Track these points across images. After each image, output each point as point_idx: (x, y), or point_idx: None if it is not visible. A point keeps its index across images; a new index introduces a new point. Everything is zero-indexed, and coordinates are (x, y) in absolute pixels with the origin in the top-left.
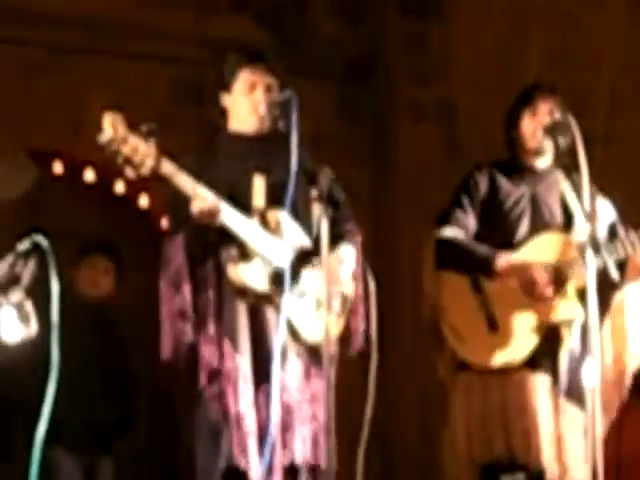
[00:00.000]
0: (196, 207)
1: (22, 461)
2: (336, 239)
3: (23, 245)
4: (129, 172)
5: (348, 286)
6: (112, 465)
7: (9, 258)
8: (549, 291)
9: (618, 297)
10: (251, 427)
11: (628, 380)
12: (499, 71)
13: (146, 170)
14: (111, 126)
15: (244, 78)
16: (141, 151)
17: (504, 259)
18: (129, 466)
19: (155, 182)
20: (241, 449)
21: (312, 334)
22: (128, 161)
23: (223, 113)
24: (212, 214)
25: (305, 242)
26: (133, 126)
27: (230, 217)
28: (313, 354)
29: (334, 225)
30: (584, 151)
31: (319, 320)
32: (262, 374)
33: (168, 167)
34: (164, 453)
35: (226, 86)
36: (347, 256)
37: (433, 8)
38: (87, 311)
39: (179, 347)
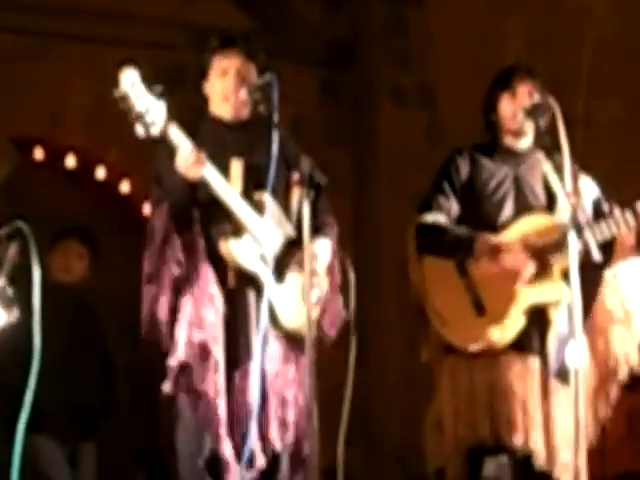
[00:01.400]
0: (180, 157)
1: (3, 449)
2: (313, 231)
3: (4, 231)
4: (139, 130)
5: (322, 280)
6: (94, 450)
7: None
8: (529, 268)
9: (609, 277)
10: (223, 414)
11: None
12: (479, 54)
13: (156, 130)
14: (129, 82)
15: (216, 64)
16: (154, 110)
17: (485, 239)
18: (111, 451)
19: (136, 167)
20: (217, 437)
21: (290, 319)
22: (140, 118)
23: (205, 100)
24: (198, 163)
25: (288, 227)
26: (148, 84)
27: (220, 186)
28: (291, 340)
29: (312, 216)
30: (565, 132)
31: (298, 307)
32: (237, 358)
33: (177, 131)
34: (146, 437)
35: (203, 74)
36: (321, 250)
37: None
38: (62, 296)
39: (156, 327)
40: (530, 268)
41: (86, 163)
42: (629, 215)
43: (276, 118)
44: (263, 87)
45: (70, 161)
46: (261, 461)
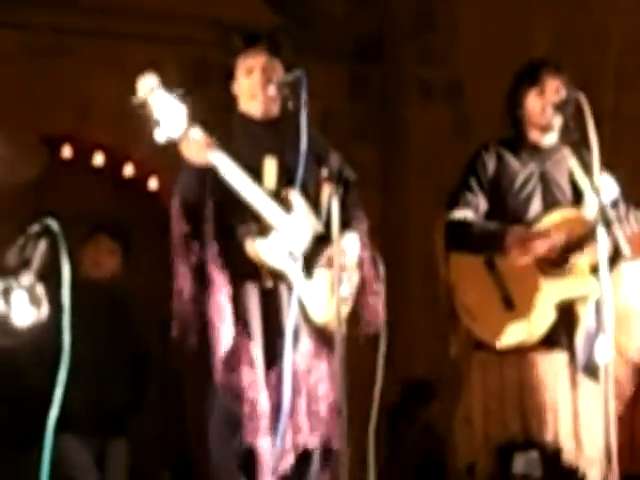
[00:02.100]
0: (186, 145)
1: (34, 446)
2: (342, 225)
3: (34, 228)
4: (158, 135)
5: (353, 275)
6: (125, 447)
7: (20, 241)
8: (560, 257)
9: (613, 275)
10: (264, 409)
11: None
12: (507, 49)
13: (177, 134)
14: (147, 87)
15: (242, 63)
16: (174, 114)
17: (517, 230)
18: (143, 447)
19: (164, 164)
20: (254, 431)
21: (320, 315)
22: (159, 124)
23: (234, 100)
24: (204, 146)
25: (316, 223)
26: (168, 88)
27: (246, 187)
28: (322, 336)
29: (341, 210)
30: (593, 127)
31: (328, 302)
32: (274, 355)
33: (197, 134)
34: (177, 434)
35: (230, 74)
36: (350, 245)
37: None
38: (92, 292)
39: (186, 327)
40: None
41: (114, 160)
42: (634, 214)
43: (305, 114)
44: (292, 83)
45: (98, 158)
46: (292, 456)
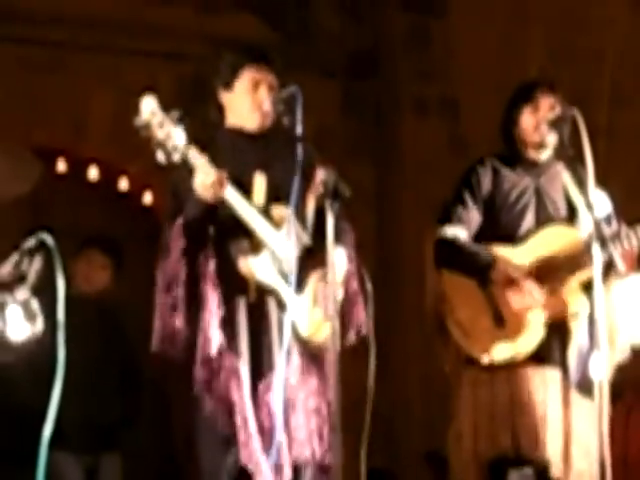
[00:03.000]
0: (199, 179)
1: (28, 462)
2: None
3: (29, 243)
4: (161, 157)
5: (338, 289)
6: (119, 461)
7: (15, 256)
8: (539, 301)
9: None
10: (252, 426)
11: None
12: (502, 66)
13: (177, 156)
14: (149, 110)
15: (248, 76)
16: (174, 138)
17: (500, 270)
18: (136, 462)
19: (159, 178)
20: (244, 448)
21: (305, 330)
22: (161, 146)
23: (220, 110)
24: (219, 185)
25: (304, 238)
26: (165, 111)
27: (238, 204)
28: (309, 350)
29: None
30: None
31: (313, 316)
32: (262, 371)
33: (196, 155)
34: (169, 449)
35: (226, 84)
36: (338, 260)
37: (435, 3)
38: (84, 307)
39: (171, 340)
40: (540, 300)
41: (109, 175)
42: (626, 231)
43: (300, 130)
44: (287, 99)
45: (93, 173)
46: (287, 472)
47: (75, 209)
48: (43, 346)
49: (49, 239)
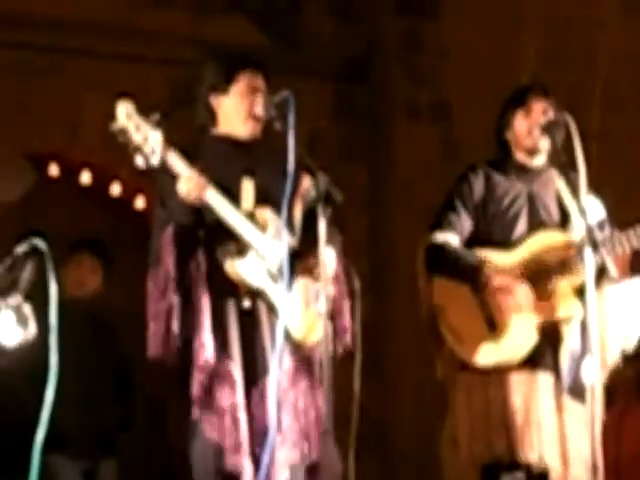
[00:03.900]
0: (181, 182)
1: (20, 468)
2: (317, 240)
3: (21, 248)
4: (139, 161)
5: (329, 288)
6: (114, 467)
7: (7, 261)
8: (529, 305)
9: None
10: (244, 430)
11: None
12: (494, 70)
13: (155, 160)
14: (124, 114)
15: (244, 81)
16: (151, 140)
17: (487, 277)
18: (132, 467)
19: (151, 182)
20: (237, 452)
21: (297, 331)
22: (139, 150)
23: (211, 113)
24: (199, 188)
25: (290, 240)
26: (143, 115)
27: (222, 207)
28: (300, 352)
29: (315, 226)
30: (580, 148)
31: (304, 319)
32: (254, 375)
33: (175, 158)
34: (163, 453)
35: (220, 87)
36: (327, 260)
37: (427, 7)
38: (75, 311)
39: (166, 346)
40: (533, 311)
41: (101, 179)
42: (618, 236)
43: (292, 135)
44: (279, 104)
45: (85, 177)
46: (287, 472)
47: (67, 213)
48: (36, 351)
49: (42, 244)
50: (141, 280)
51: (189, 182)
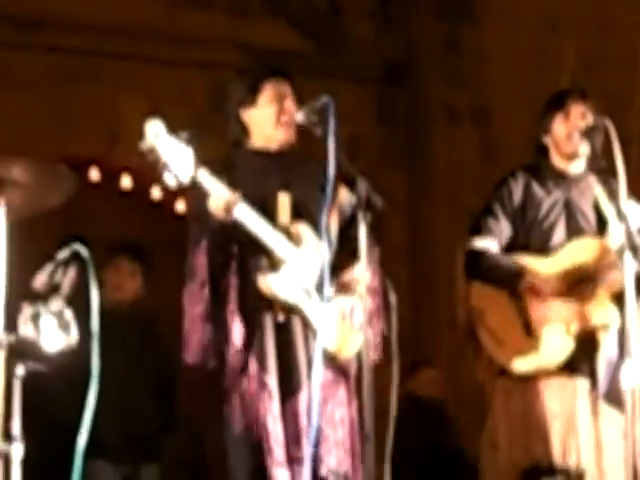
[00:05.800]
0: (212, 200)
1: (62, 474)
2: (355, 253)
3: (63, 254)
4: (168, 179)
5: (366, 301)
6: (157, 472)
7: (49, 267)
8: (565, 319)
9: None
10: (280, 441)
11: None
12: (533, 73)
13: (185, 178)
14: (153, 133)
15: (270, 89)
16: (182, 158)
17: (527, 284)
18: (176, 472)
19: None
20: (272, 462)
21: (332, 343)
22: (168, 168)
23: (244, 129)
24: (228, 207)
25: (325, 253)
26: (173, 132)
27: (253, 223)
28: (336, 363)
29: (351, 239)
30: (620, 152)
31: (339, 333)
32: (289, 389)
33: (206, 175)
34: (203, 460)
35: (248, 100)
36: (361, 274)
37: (466, 11)
38: (117, 316)
39: (204, 353)
40: (573, 323)
41: (141, 183)
42: None
43: (332, 141)
44: (320, 109)
45: (126, 181)
46: None
47: (108, 218)
48: (78, 356)
49: (83, 250)
50: (181, 284)
51: (219, 200)
